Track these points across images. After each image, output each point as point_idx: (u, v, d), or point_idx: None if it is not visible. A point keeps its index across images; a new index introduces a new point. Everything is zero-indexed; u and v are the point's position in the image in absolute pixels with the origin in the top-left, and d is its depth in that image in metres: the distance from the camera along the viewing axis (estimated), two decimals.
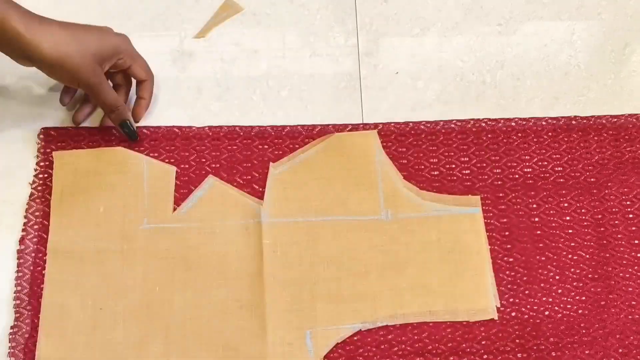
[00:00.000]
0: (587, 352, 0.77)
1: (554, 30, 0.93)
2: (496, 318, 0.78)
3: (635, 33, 0.93)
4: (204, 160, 0.84)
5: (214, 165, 0.84)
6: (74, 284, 0.78)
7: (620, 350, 0.77)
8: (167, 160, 0.84)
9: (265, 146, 0.85)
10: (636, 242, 0.81)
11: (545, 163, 0.85)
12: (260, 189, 0.83)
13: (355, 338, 0.77)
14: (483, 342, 0.77)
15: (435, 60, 0.91)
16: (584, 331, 0.77)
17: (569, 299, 0.79)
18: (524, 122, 0.86)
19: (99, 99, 0.79)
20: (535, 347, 0.77)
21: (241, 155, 0.84)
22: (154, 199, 0.81)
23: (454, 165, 0.84)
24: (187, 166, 0.83)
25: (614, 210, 0.83)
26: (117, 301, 0.77)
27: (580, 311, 0.78)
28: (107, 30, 0.80)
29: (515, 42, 0.92)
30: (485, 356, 0.76)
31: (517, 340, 0.77)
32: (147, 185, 0.82)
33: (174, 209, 0.81)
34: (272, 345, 0.76)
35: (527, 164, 0.85)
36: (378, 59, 0.91)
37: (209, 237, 0.80)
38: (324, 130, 0.85)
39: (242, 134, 0.85)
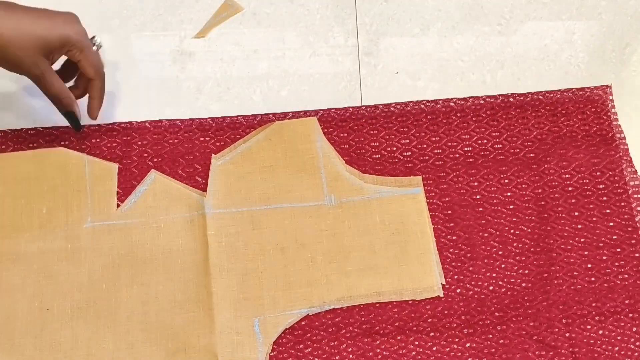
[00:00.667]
0: (531, 324, 0.78)
1: (554, 30, 0.93)
2: (441, 295, 0.79)
3: (636, 33, 0.93)
4: (145, 155, 0.84)
5: (156, 160, 0.84)
6: (20, 287, 0.78)
7: (563, 321, 0.78)
8: (109, 157, 0.84)
9: (207, 138, 0.85)
10: (576, 214, 0.83)
11: (485, 141, 0.86)
12: (203, 181, 0.83)
13: (303, 323, 0.77)
14: (429, 320, 0.78)
15: (436, 60, 0.91)
16: (527, 304, 0.79)
17: (512, 273, 0.80)
18: (463, 102, 0.87)
19: (43, 89, 0.78)
20: (480, 322, 0.78)
21: (183, 148, 0.84)
22: (97, 197, 0.81)
23: (394, 148, 0.85)
24: (129, 161, 0.83)
25: (553, 184, 0.84)
26: (64, 301, 0.77)
27: (523, 284, 0.80)
28: (65, 19, 0.76)
29: (515, 42, 0.92)
30: (432, 334, 0.77)
31: (463, 317, 0.78)
32: (90, 184, 0.82)
33: (118, 206, 0.81)
34: (220, 335, 0.76)
35: (467, 142, 0.86)
36: (378, 58, 0.91)
37: (153, 232, 0.80)
38: (265, 120, 0.86)
39: (183, 127, 0.85)
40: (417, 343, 0.77)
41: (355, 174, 0.83)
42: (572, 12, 0.94)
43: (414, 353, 0.76)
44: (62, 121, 0.86)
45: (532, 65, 0.91)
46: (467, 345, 0.77)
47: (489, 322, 0.78)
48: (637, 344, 0.77)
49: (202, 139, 0.85)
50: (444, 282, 0.80)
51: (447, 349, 0.77)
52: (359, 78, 0.89)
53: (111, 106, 0.87)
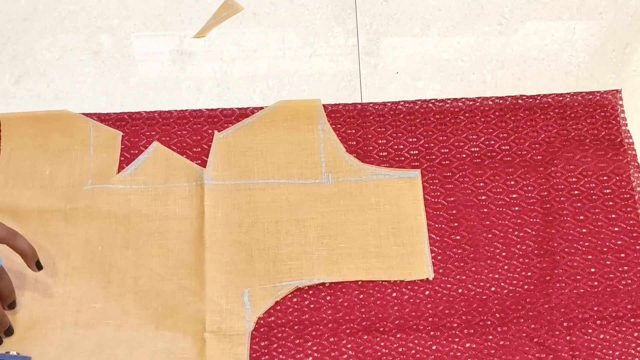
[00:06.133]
0: (532, 326, 0.78)
1: (554, 30, 0.93)
2: (431, 278, 0.79)
3: (636, 33, 0.93)
4: None
5: None
6: None
7: (565, 324, 0.78)
8: None
9: (216, 131, 0.85)
10: (581, 217, 0.82)
11: (492, 142, 0.86)
12: None
13: (304, 317, 0.78)
14: (430, 319, 0.78)
15: (436, 60, 0.91)
16: (529, 306, 0.78)
17: (515, 275, 0.80)
18: (471, 102, 0.87)
19: None
20: (481, 323, 0.78)
21: (191, 140, 0.85)
22: (100, 162, 0.83)
23: (401, 146, 0.85)
24: (136, 152, 0.84)
25: (560, 187, 0.84)
26: (60, 260, 0.79)
27: (526, 287, 0.80)
28: None
29: (515, 41, 0.92)
30: (432, 333, 0.77)
31: (464, 317, 0.78)
32: (93, 148, 0.83)
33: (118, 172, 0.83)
34: (210, 303, 0.78)
35: (474, 143, 0.86)
36: (378, 58, 0.91)
37: (151, 199, 0.82)
38: None
39: (192, 119, 0.86)
40: (417, 342, 0.77)
41: (355, 160, 0.84)
42: (573, 12, 0.94)
43: (413, 351, 0.76)
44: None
45: (533, 65, 0.91)
46: (467, 345, 0.77)
47: (489, 323, 0.78)
48: (638, 349, 0.77)
49: (210, 131, 0.85)
50: (431, 268, 0.80)
51: (447, 349, 0.77)
52: (359, 78, 0.90)
53: (111, 105, 0.88)
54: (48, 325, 0.76)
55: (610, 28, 0.93)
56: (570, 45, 0.92)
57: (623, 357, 0.77)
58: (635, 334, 0.78)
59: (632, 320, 0.78)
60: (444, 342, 0.77)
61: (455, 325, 0.78)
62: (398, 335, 0.77)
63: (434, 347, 0.77)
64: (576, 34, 0.93)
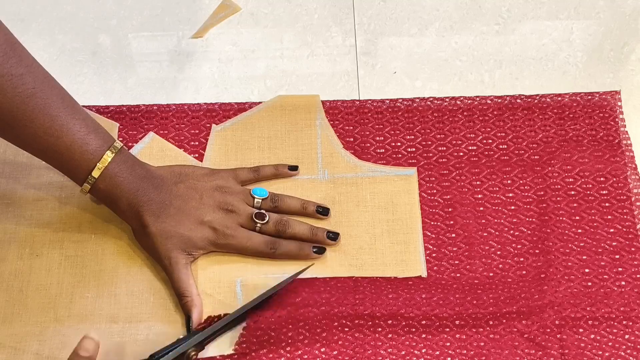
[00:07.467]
0: (523, 322, 0.77)
1: (552, 30, 0.93)
2: (424, 276, 0.79)
3: (634, 32, 0.93)
4: None
5: None
6: (13, 231, 0.80)
7: (556, 322, 0.77)
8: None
9: (214, 124, 0.86)
10: (577, 218, 0.82)
11: (490, 141, 0.86)
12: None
13: (297, 300, 0.77)
14: (423, 309, 0.78)
15: (434, 59, 0.92)
16: (522, 302, 0.78)
17: (509, 274, 0.80)
18: (470, 101, 0.88)
19: (171, 283, 0.78)
20: (473, 316, 0.77)
21: (189, 134, 0.86)
22: None
23: (399, 143, 0.86)
24: (134, 144, 0.85)
25: (556, 187, 0.84)
26: (53, 249, 0.80)
27: (520, 283, 0.79)
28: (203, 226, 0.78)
29: (513, 41, 0.93)
30: (423, 322, 0.77)
31: (457, 309, 0.78)
32: None
33: None
34: (202, 292, 0.78)
35: (472, 141, 0.86)
36: (376, 58, 0.92)
37: None
38: None
39: (190, 112, 0.87)
40: (407, 329, 0.76)
41: (352, 156, 0.85)
42: (570, 11, 0.95)
43: (403, 338, 0.76)
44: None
45: (530, 64, 0.91)
46: (457, 336, 0.76)
47: (481, 316, 0.77)
48: (628, 351, 0.76)
49: (208, 125, 0.86)
50: (424, 265, 0.80)
51: (437, 338, 0.76)
52: (357, 78, 0.90)
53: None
54: (42, 320, 0.77)
55: (608, 28, 0.94)
56: (568, 45, 0.92)
57: (612, 359, 0.76)
58: (626, 337, 0.77)
59: (624, 322, 0.78)
60: (435, 331, 0.76)
61: (446, 315, 0.77)
62: (389, 322, 0.77)
63: (422, 336, 0.76)
64: (574, 34, 0.93)
